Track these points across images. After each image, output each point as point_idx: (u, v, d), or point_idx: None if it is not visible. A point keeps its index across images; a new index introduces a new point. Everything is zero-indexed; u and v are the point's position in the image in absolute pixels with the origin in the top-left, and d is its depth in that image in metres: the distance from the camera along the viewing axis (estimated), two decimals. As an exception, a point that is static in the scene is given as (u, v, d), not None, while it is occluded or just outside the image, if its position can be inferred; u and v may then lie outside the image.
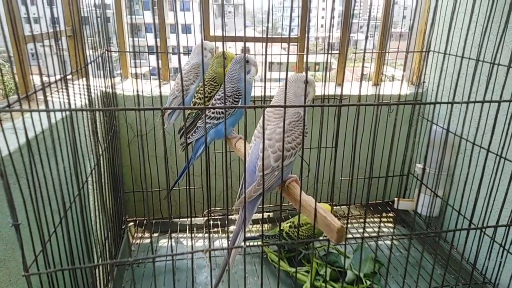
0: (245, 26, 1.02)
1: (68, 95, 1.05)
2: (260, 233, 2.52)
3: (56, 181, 1.31)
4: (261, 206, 1.23)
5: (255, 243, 2.44)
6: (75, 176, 1.33)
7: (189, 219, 2.68)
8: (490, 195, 1.53)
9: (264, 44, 2.71)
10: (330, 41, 2.59)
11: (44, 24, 1.86)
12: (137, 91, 2.15)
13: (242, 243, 1.19)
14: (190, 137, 1.74)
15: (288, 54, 1.21)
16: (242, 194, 1.26)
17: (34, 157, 1.13)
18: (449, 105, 1.31)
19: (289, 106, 0.98)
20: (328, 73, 2.69)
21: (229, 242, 1.14)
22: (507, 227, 1.48)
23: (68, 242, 1.10)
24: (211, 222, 2.73)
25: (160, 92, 0.90)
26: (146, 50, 2.27)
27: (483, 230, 1.52)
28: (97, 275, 1.81)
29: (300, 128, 1.27)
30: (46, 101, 1.17)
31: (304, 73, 1.33)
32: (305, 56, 2.80)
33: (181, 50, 2.68)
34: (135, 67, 2.23)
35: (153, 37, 2.06)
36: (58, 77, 2.21)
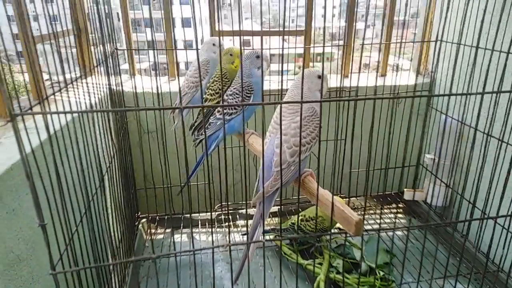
0: (261, 21, 1.03)
1: (88, 93, 1.06)
2: (272, 227, 2.53)
3: (73, 181, 1.33)
4: (278, 199, 1.25)
5: (271, 237, 2.46)
6: (98, 172, 1.35)
7: (202, 214, 2.72)
8: (505, 184, 1.53)
9: (266, 36, 2.70)
10: (338, 31, 2.58)
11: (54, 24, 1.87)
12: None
13: (261, 237, 1.21)
14: (203, 133, 1.76)
15: (297, 47, 1.21)
16: (259, 189, 1.27)
17: (53, 156, 1.15)
18: (463, 96, 1.32)
19: (306, 102, 0.99)
20: (331, 63, 2.69)
21: (239, 236, 1.16)
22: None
23: (93, 240, 1.13)
24: (225, 217, 2.75)
25: (180, 89, 0.91)
26: (153, 47, 2.27)
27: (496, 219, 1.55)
28: (114, 271, 1.84)
29: (314, 122, 1.28)
30: (65, 102, 1.18)
31: (316, 68, 1.34)
32: (313, 49, 2.79)
33: (188, 45, 2.69)
34: (145, 65, 2.23)
35: (156, 32, 2.05)
36: (68, 75, 2.22)
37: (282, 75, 1.21)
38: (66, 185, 1.24)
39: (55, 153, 1.15)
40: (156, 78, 2.18)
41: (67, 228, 1.14)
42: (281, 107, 0.95)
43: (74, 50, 2.18)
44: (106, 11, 1.93)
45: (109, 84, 1.87)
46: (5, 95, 0.85)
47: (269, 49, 2.01)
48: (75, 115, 1.54)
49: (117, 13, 2.69)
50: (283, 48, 1.12)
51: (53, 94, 1.15)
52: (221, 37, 2.29)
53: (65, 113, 0.87)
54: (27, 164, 0.91)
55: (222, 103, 1.51)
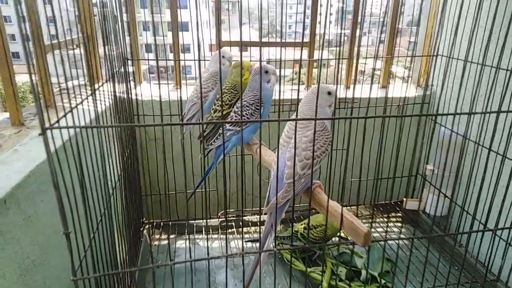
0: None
1: (102, 103, 1.11)
2: (276, 235, 2.58)
3: (91, 188, 1.37)
4: (288, 211, 1.30)
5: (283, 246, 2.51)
6: (111, 180, 1.39)
7: (206, 220, 2.76)
8: (504, 197, 1.59)
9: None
10: (341, 39, 2.63)
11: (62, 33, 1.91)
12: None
13: (272, 245, 1.26)
14: (212, 143, 1.80)
15: (303, 59, 1.27)
16: (271, 200, 1.32)
17: (76, 166, 1.19)
18: (466, 114, 1.38)
19: (320, 119, 1.05)
20: (336, 73, 2.75)
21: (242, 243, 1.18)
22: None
23: (111, 246, 1.17)
24: (229, 224, 2.79)
25: (202, 105, 0.96)
26: (161, 56, 2.33)
27: (495, 231, 1.61)
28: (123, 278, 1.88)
29: (324, 137, 1.34)
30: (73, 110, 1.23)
31: (326, 85, 1.40)
32: (313, 57, 2.86)
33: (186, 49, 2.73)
34: (157, 74, 2.28)
35: (159, 36, 2.08)
36: (78, 82, 2.25)
37: (299, 85, 1.25)
38: (86, 193, 1.29)
39: (77, 162, 1.20)
40: (156, 86, 2.23)
41: (89, 235, 1.19)
42: (296, 124, 1.00)
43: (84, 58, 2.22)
44: (118, 19, 1.97)
45: (121, 94, 1.92)
46: (39, 110, 0.89)
47: (275, 60, 2.08)
48: (82, 123, 1.59)
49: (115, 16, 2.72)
50: (300, 60, 1.18)
51: (76, 106, 1.20)
52: (229, 48, 2.35)
53: (91, 127, 0.92)
54: (55, 175, 0.95)
55: (241, 115, 1.56)
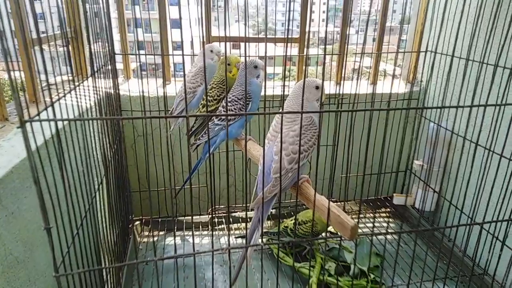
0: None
1: (86, 97, 1.08)
2: (265, 231, 2.57)
3: (74, 184, 1.35)
4: (275, 206, 1.29)
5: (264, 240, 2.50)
6: (97, 175, 1.37)
7: (195, 217, 2.74)
8: (491, 192, 1.60)
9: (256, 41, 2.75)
10: (331, 36, 2.62)
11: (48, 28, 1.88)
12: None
13: (259, 240, 1.25)
14: (200, 138, 1.79)
15: (292, 55, 1.25)
16: (257, 195, 1.31)
17: (58, 161, 1.17)
18: (453, 107, 1.38)
19: (306, 112, 1.04)
20: (324, 69, 2.74)
21: (230, 239, 1.18)
22: (507, 222, 1.55)
23: (95, 242, 1.15)
24: (219, 220, 2.78)
25: (186, 98, 0.94)
26: (152, 53, 2.30)
27: (482, 225, 1.62)
28: (110, 274, 1.85)
29: (312, 131, 1.33)
30: (60, 104, 1.20)
31: (314, 79, 1.39)
32: (305, 53, 2.85)
33: (177, 46, 2.71)
34: (141, 70, 2.26)
35: (148, 34, 2.06)
36: (61, 78, 2.21)
37: (284, 81, 1.25)
38: (69, 188, 1.26)
39: (59, 157, 1.17)
40: (144, 81, 2.20)
41: (71, 231, 1.17)
42: (282, 117, 0.99)
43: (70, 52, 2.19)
44: (105, 13, 1.94)
45: (107, 89, 1.89)
46: (17, 102, 0.87)
47: (265, 56, 2.06)
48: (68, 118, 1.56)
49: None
50: (285, 55, 1.17)
51: (59, 99, 1.17)
52: (218, 43, 2.33)
53: (74, 120, 0.89)
54: (35, 169, 0.93)
55: (226, 109, 1.54)
